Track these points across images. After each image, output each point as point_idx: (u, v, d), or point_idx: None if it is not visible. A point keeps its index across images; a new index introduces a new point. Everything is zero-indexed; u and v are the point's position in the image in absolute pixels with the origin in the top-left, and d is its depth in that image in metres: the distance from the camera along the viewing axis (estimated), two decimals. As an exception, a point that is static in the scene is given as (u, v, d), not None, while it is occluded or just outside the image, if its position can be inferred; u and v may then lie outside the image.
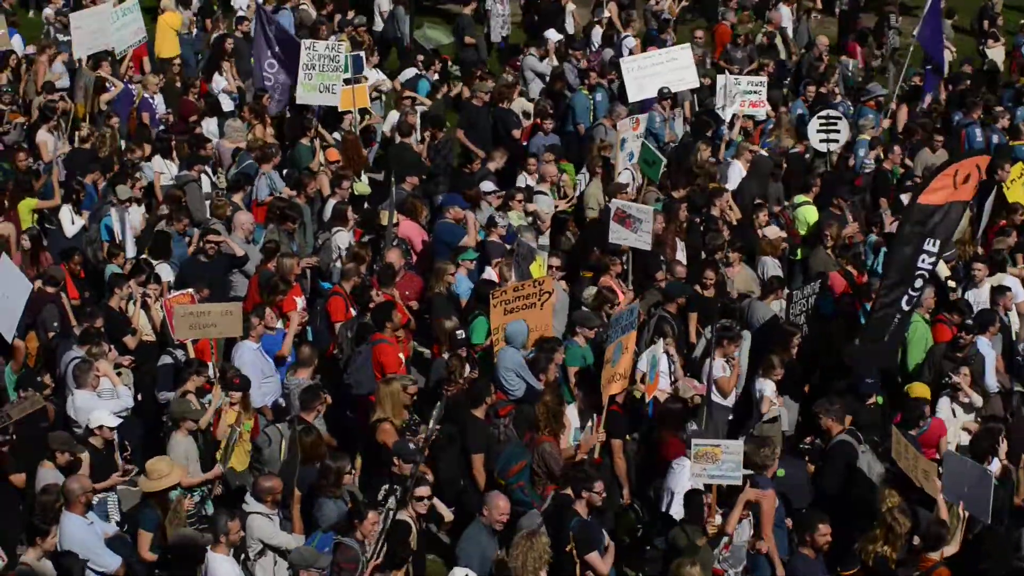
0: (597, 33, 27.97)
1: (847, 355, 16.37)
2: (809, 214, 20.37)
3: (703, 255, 18.80)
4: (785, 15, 29.18)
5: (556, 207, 20.68)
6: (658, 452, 14.86)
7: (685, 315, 17.41)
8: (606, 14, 28.62)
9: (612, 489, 14.84)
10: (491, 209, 19.50)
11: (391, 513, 13.01)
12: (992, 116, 23.71)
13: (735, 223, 19.73)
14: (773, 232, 19.29)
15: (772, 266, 18.79)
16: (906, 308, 15.96)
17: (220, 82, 24.31)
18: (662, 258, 18.68)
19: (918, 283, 15.95)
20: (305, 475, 13.85)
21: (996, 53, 28.21)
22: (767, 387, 15.77)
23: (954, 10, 29.64)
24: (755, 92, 23.69)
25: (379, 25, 28.72)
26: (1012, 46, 29.01)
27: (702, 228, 19.60)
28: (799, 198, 20.79)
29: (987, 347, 16.83)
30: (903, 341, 16.68)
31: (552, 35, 27.21)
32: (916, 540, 13.20)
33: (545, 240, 19.72)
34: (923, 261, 15.88)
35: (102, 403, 15.01)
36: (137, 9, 24.39)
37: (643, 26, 29.01)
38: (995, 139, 23.20)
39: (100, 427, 14.23)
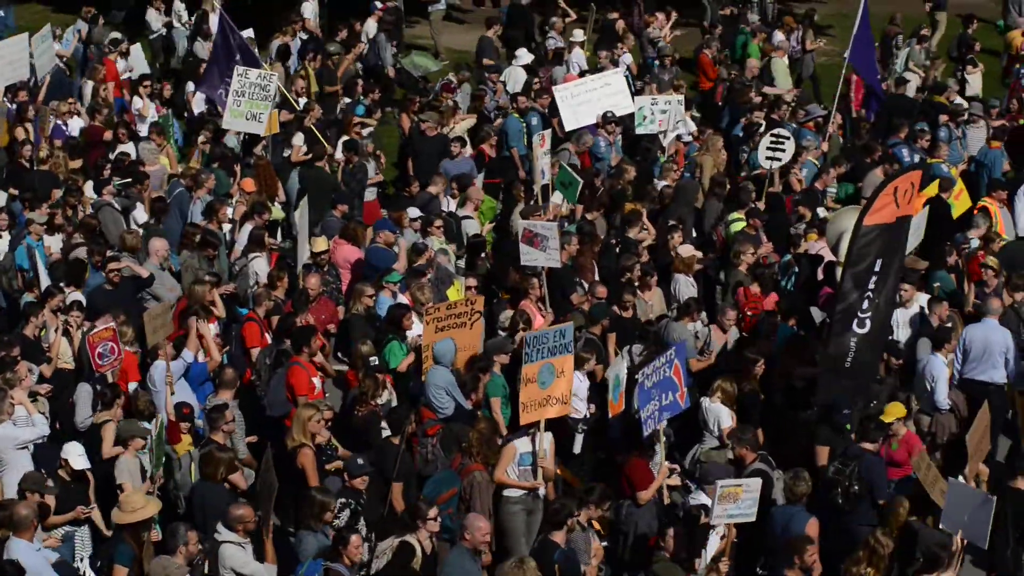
0: (577, 55, 27.98)
1: (821, 388, 16.22)
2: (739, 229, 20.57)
3: (621, 277, 18.77)
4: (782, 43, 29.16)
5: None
6: (623, 474, 14.89)
7: (605, 337, 17.47)
8: (582, 36, 28.70)
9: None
10: (415, 235, 19.59)
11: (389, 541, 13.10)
12: (913, 136, 24.01)
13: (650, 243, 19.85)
14: (687, 251, 19.37)
15: (684, 284, 18.87)
16: (859, 331, 15.93)
17: (136, 104, 24.29)
18: (578, 280, 18.74)
19: (865, 304, 15.92)
20: (214, 494, 13.92)
21: (975, 79, 28.29)
22: (723, 414, 15.79)
23: (927, 37, 29.84)
24: (667, 111, 23.78)
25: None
26: (1014, 76, 28.76)
27: (617, 250, 19.68)
28: (733, 215, 20.90)
29: (941, 364, 16.88)
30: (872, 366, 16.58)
31: (523, 55, 27.35)
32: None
33: (462, 263, 19.85)
34: (872, 282, 15.87)
35: (18, 431, 14.90)
36: (50, 38, 24.46)
37: (635, 44, 29.04)
38: (915, 158, 23.38)
39: (66, 461, 14.25)
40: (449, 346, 16.20)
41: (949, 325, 17.56)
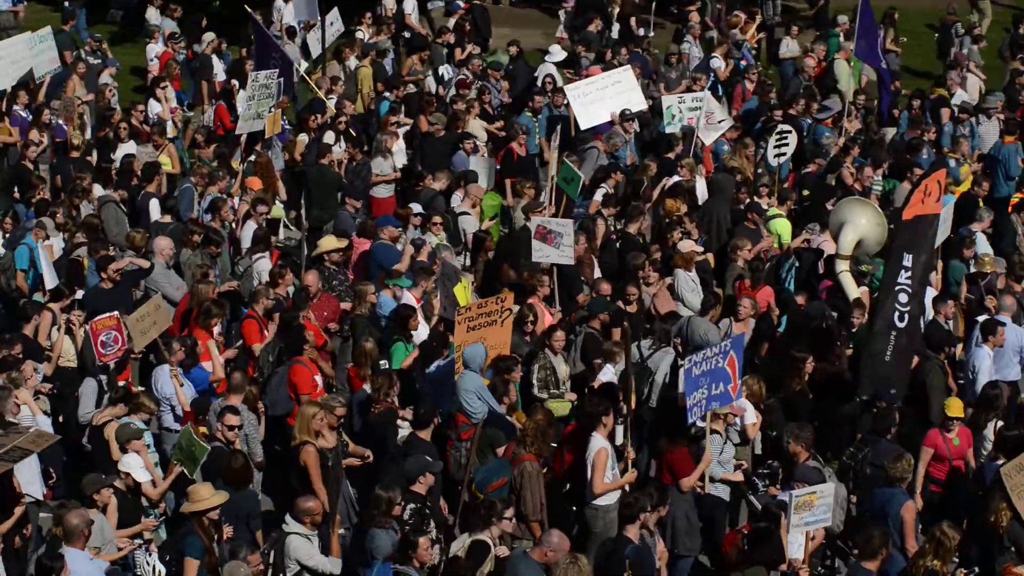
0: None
1: (866, 386, 16.32)
2: (780, 226, 20.61)
3: (628, 273, 18.74)
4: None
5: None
6: (664, 462, 14.83)
7: (608, 331, 17.40)
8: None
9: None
10: (416, 231, 19.63)
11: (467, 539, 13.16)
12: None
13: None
14: (686, 246, 19.28)
15: (684, 279, 18.82)
16: (900, 324, 16.08)
17: (155, 107, 24.37)
18: (582, 278, 18.72)
19: (903, 298, 16.10)
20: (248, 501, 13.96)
21: None
22: (748, 411, 15.73)
23: (982, 36, 29.74)
24: (698, 108, 23.62)
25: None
26: None
27: (618, 246, 19.67)
28: (772, 211, 20.92)
29: (986, 356, 17.01)
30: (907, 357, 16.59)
31: (556, 52, 27.41)
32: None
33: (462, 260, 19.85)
34: (902, 276, 16.05)
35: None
36: (51, 38, 24.54)
37: (729, 47, 28.79)
38: (926, 153, 23.40)
39: (127, 474, 14.26)
40: (479, 351, 15.94)
41: (950, 325, 17.67)
